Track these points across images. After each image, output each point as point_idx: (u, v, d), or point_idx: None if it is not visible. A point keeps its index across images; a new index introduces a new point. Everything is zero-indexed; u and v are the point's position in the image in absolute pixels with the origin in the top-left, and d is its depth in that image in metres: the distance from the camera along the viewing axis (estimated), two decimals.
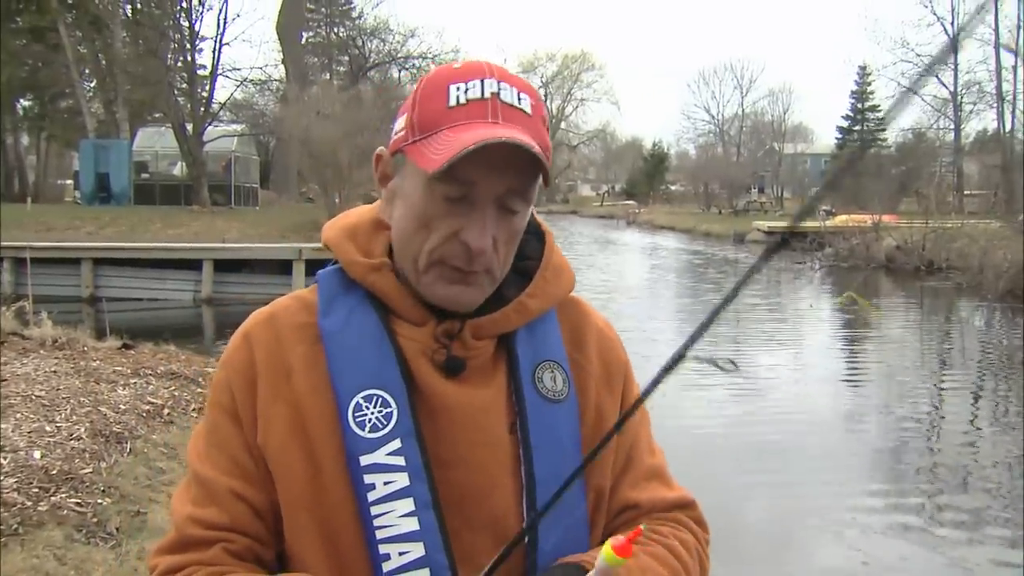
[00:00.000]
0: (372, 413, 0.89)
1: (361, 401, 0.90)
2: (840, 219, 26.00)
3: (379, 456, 0.88)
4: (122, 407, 5.72)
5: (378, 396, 0.90)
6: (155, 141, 27.82)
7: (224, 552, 0.90)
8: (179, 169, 27.15)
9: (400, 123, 0.94)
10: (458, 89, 0.89)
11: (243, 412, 0.93)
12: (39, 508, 4.14)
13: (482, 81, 0.90)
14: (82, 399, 5.75)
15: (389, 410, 0.89)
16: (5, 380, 5.96)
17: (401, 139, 0.93)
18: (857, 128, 51.62)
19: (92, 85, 30.29)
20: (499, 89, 0.90)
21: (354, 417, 0.89)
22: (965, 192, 35.20)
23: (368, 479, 0.88)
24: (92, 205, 22.30)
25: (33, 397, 5.66)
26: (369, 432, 0.89)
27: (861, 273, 20.75)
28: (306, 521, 0.90)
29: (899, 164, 36.80)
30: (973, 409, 8.26)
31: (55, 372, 6.32)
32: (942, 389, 9.29)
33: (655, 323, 12.90)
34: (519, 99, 0.90)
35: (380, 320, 0.94)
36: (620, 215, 49.92)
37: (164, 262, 13.95)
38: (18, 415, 5.28)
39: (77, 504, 4.25)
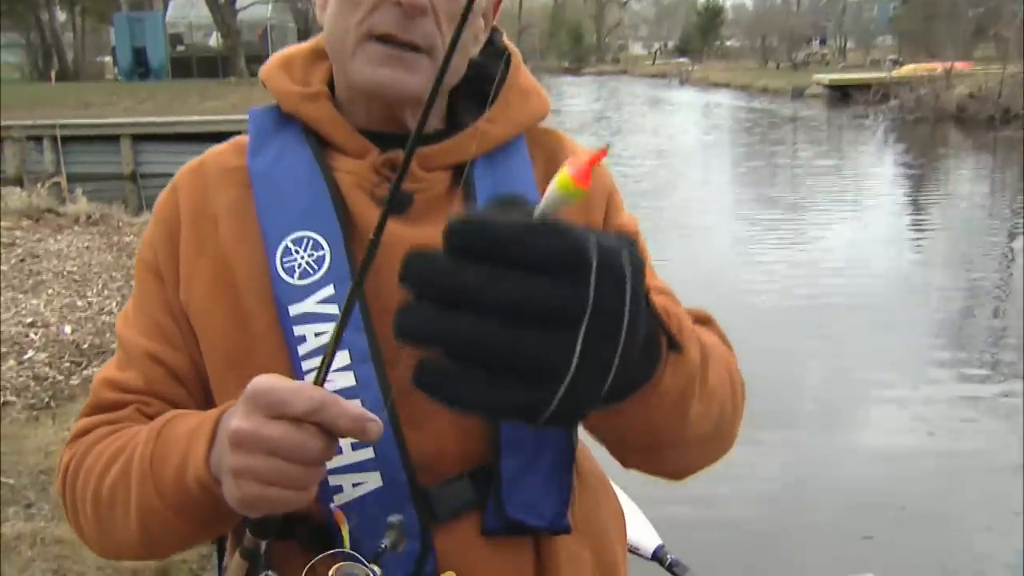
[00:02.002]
0: (302, 257, 0.80)
1: (290, 245, 0.80)
2: (908, 69, 24.58)
3: (309, 305, 0.79)
4: None
5: (308, 238, 0.80)
6: (188, 11, 27.21)
7: (138, 413, 0.84)
8: (214, 40, 26.63)
9: None
10: None
11: (164, 268, 0.85)
12: (70, 382, 4.22)
13: None
14: (114, 274, 5.77)
15: (321, 253, 0.80)
16: (38, 256, 6.02)
17: None
18: None
19: None
20: None
21: (282, 263, 0.80)
22: None
23: (298, 331, 0.79)
24: (131, 81, 22.07)
25: (65, 273, 5.74)
26: (298, 279, 0.79)
27: (928, 125, 19.59)
28: (232, 380, 0.80)
29: (976, 5, 34.08)
30: None
31: (88, 248, 6.38)
32: (1012, 248, 8.75)
33: (710, 190, 12.31)
34: None
35: (314, 155, 0.84)
36: (673, 74, 48.43)
37: (203, 136, 13.77)
38: (50, 291, 5.34)
39: None
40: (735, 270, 7.71)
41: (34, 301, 5.12)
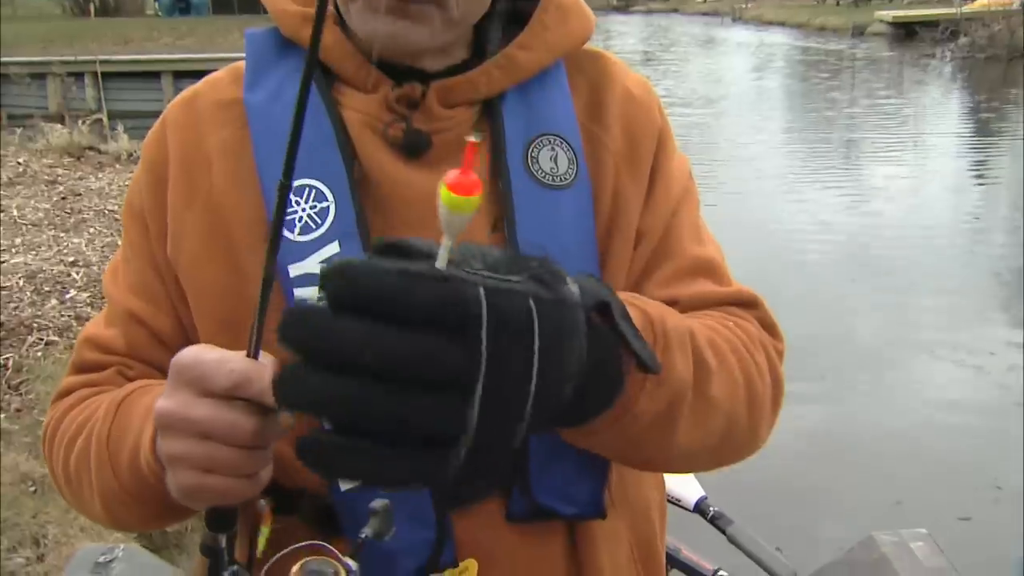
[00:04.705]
0: (303, 210, 0.71)
1: (290, 195, 0.69)
2: (980, 3, 23.38)
3: (311, 265, 0.71)
4: None
5: (311, 188, 0.71)
6: None
7: (119, 376, 0.78)
8: None
9: None
10: None
11: (151, 219, 0.77)
12: None
13: None
14: None
15: (324, 205, 0.71)
16: (79, 195, 6.02)
17: None
18: None
19: None
20: None
21: None
22: None
23: (299, 294, 0.71)
24: (171, 16, 21.99)
25: (106, 211, 5.74)
26: (299, 235, 0.71)
27: (1001, 64, 18.59)
28: (226, 346, 0.68)
29: None
30: None
31: (128, 186, 6.32)
32: None
33: (758, 144, 11.77)
34: None
35: (319, 89, 0.74)
36: (725, 12, 46.94)
37: None
38: (91, 229, 5.34)
39: None
40: (780, 214, 7.43)
41: (75, 240, 5.12)
